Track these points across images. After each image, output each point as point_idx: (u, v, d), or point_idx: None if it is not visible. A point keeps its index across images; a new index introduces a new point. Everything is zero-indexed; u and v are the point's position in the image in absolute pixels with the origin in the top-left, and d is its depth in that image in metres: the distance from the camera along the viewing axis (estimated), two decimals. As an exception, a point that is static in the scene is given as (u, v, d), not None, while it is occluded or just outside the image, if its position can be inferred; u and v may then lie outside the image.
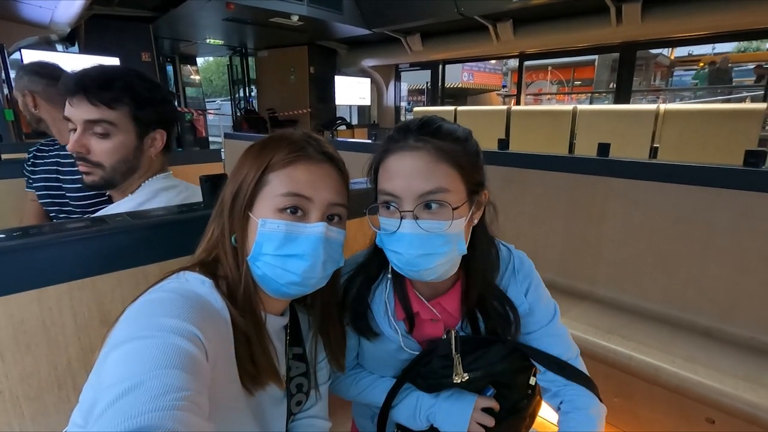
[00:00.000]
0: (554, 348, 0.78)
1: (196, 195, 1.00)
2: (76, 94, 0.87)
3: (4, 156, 1.88)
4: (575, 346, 0.82)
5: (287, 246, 0.60)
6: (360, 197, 0.81)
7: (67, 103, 0.88)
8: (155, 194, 0.97)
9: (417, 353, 0.78)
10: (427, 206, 0.65)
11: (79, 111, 0.88)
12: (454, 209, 0.65)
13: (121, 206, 0.95)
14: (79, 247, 0.68)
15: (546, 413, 1.62)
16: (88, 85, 0.87)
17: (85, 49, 4.60)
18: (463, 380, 0.72)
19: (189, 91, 7.46)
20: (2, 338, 0.62)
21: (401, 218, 0.65)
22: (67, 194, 1.24)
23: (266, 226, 0.60)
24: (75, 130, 0.89)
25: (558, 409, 0.79)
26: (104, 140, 0.90)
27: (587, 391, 0.77)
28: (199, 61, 8.19)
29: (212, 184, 0.87)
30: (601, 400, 0.77)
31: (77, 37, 4.63)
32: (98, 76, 0.89)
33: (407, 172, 0.65)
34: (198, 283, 0.58)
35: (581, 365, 0.80)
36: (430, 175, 0.65)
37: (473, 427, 0.75)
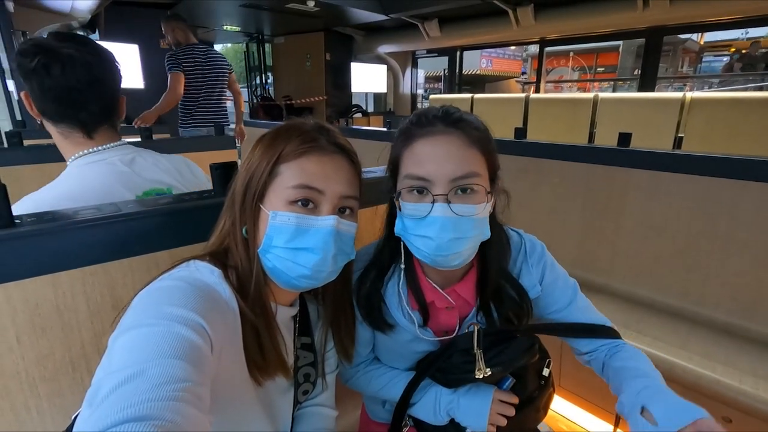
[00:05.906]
0: (585, 320, 0.80)
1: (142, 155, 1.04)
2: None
3: (28, 142, 1.93)
4: (603, 316, 0.82)
5: (298, 239, 0.60)
6: (374, 186, 0.80)
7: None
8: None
9: (432, 341, 0.78)
10: (461, 190, 0.65)
11: None
12: (487, 193, 0.67)
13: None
14: (92, 233, 0.69)
15: (558, 407, 1.61)
16: None
17: (105, 36, 4.63)
18: (486, 375, 0.71)
19: (207, 78, 7.48)
20: (19, 322, 0.64)
21: (433, 202, 0.65)
22: None
23: (277, 218, 0.59)
24: None
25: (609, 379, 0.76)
26: None
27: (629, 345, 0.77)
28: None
29: (223, 173, 0.87)
30: None
31: (97, 24, 4.68)
32: None
33: (440, 156, 0.66)
34: (207, 273, 0.58)
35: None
36: (463, 159, 0.65)
37: (494, 419, 0.75)
